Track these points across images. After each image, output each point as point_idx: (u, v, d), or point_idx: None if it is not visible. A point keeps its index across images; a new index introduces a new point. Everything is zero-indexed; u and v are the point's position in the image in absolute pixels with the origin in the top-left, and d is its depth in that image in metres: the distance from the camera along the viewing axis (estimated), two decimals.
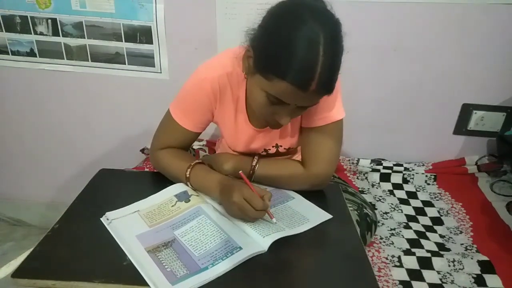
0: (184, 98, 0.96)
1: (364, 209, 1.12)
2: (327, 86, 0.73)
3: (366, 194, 1.44)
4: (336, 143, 0.96)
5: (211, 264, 0.72)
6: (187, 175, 0.92)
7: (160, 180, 0.98)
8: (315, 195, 0.97)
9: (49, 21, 1.47)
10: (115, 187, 1.00)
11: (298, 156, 1.10)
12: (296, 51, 0.68)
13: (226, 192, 0.84)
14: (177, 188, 0.94)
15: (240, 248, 0.75)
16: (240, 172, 0.88)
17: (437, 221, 1.31)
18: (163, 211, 0.87)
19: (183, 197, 0.91)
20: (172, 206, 0.88)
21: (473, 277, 1.04)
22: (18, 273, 0.69)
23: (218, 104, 0.96)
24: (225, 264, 0.71)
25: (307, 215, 0.88)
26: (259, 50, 0.75)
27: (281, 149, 1.04)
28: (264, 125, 0.95)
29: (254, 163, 0.97)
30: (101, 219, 0.83)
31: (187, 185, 0.94)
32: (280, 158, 1.07)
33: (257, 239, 0.78)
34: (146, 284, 0.67)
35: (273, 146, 1.03)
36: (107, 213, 0.85)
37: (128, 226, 0.82)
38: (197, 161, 0.94)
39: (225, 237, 0.78)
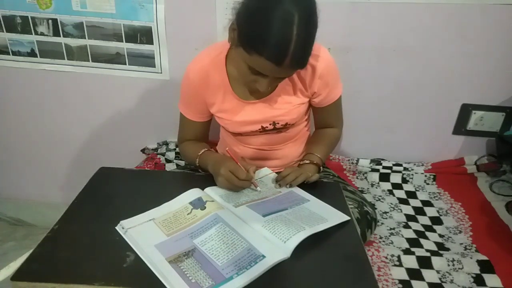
0: (181, 93, 1.13)
1: (365, 207, 1.12)
2: (301, 61, 0.85)
3: (365, 193, 1.44)
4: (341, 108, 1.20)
5: (236, 273, 0.70)
6: (197, 164, 1.10)
7: (160, 178, 0.99)
8: (316, 195, 0.97)
9: (50, 21, 1.47)
10: (114, 185, 1.00)
11: (296, 130, 1.17)
12: (272, 31, 0.78)
13: (215, 167, 0.98)
14: (191, 195, 0.93)
15: (264, 256, 0.74)
16: (226, 149, 1.03)
17: (437, 220, 1.31)
18: (179, 219, 0.85)
19: (198, 204, 0.89)
20: (188, 214, 0.86)
21: (472, 276, 1.04)
22: (17, 276, 0.68)
23: (205, 91, 1.07)
24: (250, 273, 0.70)
25: (325, 216, 0.88)
26: (241, 26, 0.85)
27: (278, 126, 1.10)
28: (248, 95, 1.07)
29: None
30: (116, 227, 0.81)
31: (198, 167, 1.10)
32: (320, 137, 1.20)
33: (278, 245, 0.77)
34: (146, 287, 0.67)
35: (270, 124, 1.10)
36: (122, 222, 0.82)
37: (145, 235, 0.79)
38: (203, 150, 1.10)
39: (247, 246, 0.77)
